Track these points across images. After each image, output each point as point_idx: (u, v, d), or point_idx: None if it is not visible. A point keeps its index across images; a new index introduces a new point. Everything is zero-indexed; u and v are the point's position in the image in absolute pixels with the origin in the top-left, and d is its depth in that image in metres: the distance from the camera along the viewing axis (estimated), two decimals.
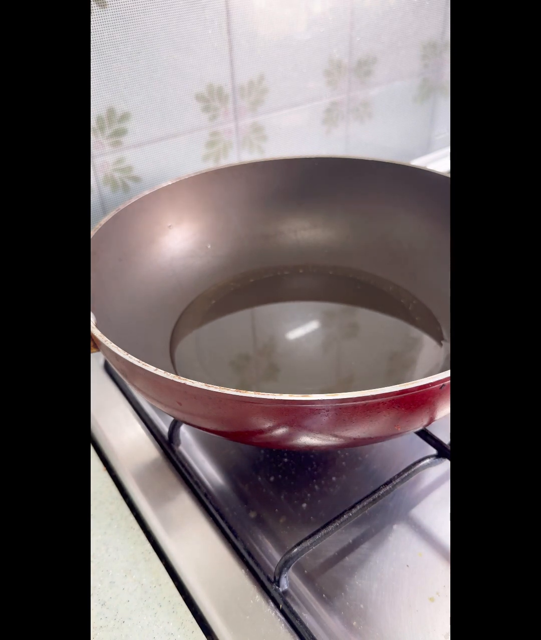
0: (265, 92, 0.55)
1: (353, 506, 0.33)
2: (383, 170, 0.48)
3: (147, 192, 0.44)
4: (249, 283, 0.50)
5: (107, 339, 0.29)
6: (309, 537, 0.31)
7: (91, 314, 0.32)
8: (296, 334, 0.45)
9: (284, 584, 0.31)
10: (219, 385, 0.26)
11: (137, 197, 0.43)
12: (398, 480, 0.34)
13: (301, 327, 0.46)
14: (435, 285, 0.47)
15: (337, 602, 0.31)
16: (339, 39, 0.56)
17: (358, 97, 0.62)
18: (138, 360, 0.28)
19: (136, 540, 0.34)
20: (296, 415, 0.26)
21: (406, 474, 0.34)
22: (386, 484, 0.34)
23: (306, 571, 0.32)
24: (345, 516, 0.32)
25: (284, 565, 0.30)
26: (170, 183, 0.45)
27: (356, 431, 0.28)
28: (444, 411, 0.29)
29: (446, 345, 0.43)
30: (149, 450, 0.39)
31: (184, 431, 0.41)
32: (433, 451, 0.37)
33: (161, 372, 0.27)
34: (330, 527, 0.32)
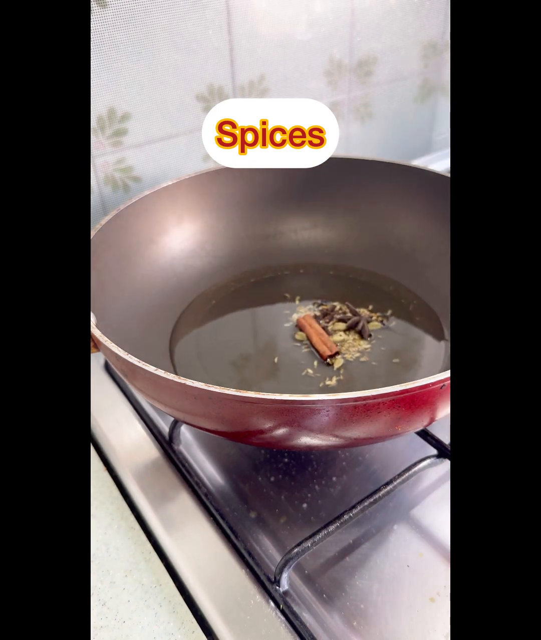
0: (266, 92, 0.55)
1: (354, 506, 0.33)
2: (383, 170, 0.48)
3: (147, 192, 0.44)
4: (249, 283, 0.50)
5: (107, 339, 0.29)
6: (310, 537, 0.31)
7: (91, 314, 0.32)
8: (296, 334, 0.45)
9: (285, 584, 0.31)
10: (219, 385, 0.26)
11: (138, 197, 0.43)
12: (398, 480, 0.34)
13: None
14: (436, 284, 0.47)
15: (337, 602, 0.31)
16: (339, 39, 0.56)
17: (359, 97, 0.62)
18: (138, 360, 0.28)
19: (137, 540, 0.34)
20: (296, 415, 0.26)
21: (406, 474, 0.34)
22: (387, 484, 0.34)
23: (306, 571, 0.32)
24: (345, 516, 0.32)
25: (284, 566, 0.30)
26: (170, 183, 0.46)
27: (357, 431, 0.28)
28: (444, 411, 0.29)
29: (447, 345, 0.43)
30: (150, 450, 0.39)
31: (185, 431, 0.41)
32: (433, 451, 0.37)
33: (161, 372, 0.27)
34: (330, 527, 0.32)
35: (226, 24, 0.48)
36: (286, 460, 0.39)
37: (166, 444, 0.39)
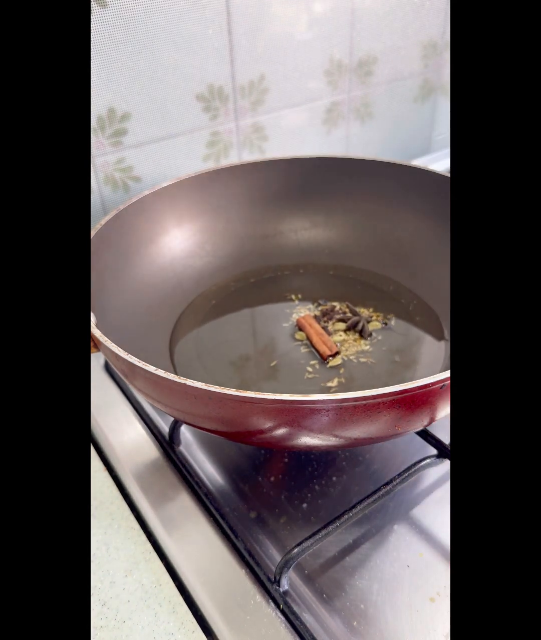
0: (266, 92, 0.55)
1: (354, 506, 0.33)
2: (383, 170, 0.48)
3: (147, 192, 0.44)
4: (249, 283, 0.50)
5: (107, 339, 0.29)
6: (310, 537, 0.31)
7: (91, 314, 0.32)
8: (296, 333, 0.44)
9: (285, 584, 0.31)
10: (219, 385, 0.26)
11: (138, 197, 0.43)
12: (398, 480, 0.34)
13: None
14: (436, 284, 0.47)
15: (337, 602, 0.31)
16: (339, 39, 0.56)
17: (359, 97, 0.62)
18: (138, 360, 0.28)
19: (137, 540, 0.34)
20: (296, 415, 0.26)
21: (406, 474, 0.34)
22: (387, 484, 0.34)
23: (306, 571, 0.32)
24: (345, 516, 0.32)
25: (284, 566, 0.30)
26: (170, 183, 0.46)
27: (357, 431, 0.28)
28: (444, 411, 0.29)
29: (447, 344, 0.43)
30: (150, 450, 0.39)
31: (185, 431, 0.41)
32: (434, 451, 0.37)
33: (161, 372, 0.27)
34: (330, 527, 0.32)
35: (226, 23, 0.48)
36: (286, 460, 0.39)
37: (166, 444, 0.39)
